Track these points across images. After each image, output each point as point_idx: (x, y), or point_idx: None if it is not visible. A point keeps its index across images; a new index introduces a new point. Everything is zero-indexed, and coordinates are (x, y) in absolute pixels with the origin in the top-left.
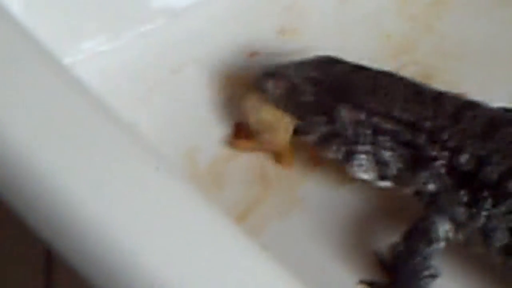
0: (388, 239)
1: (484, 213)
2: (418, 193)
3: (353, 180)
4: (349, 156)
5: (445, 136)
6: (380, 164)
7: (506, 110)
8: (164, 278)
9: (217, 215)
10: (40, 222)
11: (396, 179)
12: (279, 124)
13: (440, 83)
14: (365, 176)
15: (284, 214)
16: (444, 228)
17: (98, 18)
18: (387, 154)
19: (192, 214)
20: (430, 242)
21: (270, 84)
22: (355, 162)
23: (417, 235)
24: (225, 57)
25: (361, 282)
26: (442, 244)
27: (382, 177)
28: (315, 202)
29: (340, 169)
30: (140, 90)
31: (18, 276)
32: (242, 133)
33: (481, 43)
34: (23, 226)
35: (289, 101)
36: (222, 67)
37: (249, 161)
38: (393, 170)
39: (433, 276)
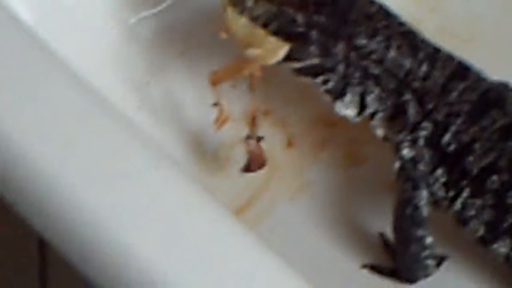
0: None
1: (460, 200)
2: (386, 139)
3: (361, 162)
4: (334, 92)
5: (430, 105)
6: (362, 104)
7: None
8: (158, 269)
9: (213, 206)
10: (35, 214)
11: (372, 117)
12: (260, 41)
13: None
14: (345, 112)
15: (292, 197)
16: (426, 202)
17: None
18: (370, 97)
19: (188, 205)
20: (420, 224)
21: (249, 2)
22: (340, 99)
23: (406, 223)
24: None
25: (364, 266)
26: (428, 211)
27: (360, 115)
28: (322, 185)
29: (347, 151)
30: (145, 75)
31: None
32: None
33: (491, 23)
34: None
35: (274, 25)
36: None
37: None
38: (371, 109)
39: (436, 257)
